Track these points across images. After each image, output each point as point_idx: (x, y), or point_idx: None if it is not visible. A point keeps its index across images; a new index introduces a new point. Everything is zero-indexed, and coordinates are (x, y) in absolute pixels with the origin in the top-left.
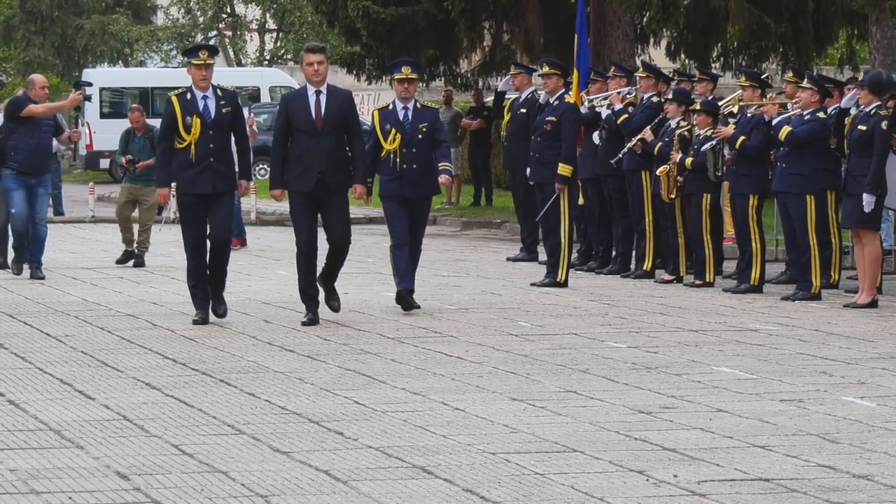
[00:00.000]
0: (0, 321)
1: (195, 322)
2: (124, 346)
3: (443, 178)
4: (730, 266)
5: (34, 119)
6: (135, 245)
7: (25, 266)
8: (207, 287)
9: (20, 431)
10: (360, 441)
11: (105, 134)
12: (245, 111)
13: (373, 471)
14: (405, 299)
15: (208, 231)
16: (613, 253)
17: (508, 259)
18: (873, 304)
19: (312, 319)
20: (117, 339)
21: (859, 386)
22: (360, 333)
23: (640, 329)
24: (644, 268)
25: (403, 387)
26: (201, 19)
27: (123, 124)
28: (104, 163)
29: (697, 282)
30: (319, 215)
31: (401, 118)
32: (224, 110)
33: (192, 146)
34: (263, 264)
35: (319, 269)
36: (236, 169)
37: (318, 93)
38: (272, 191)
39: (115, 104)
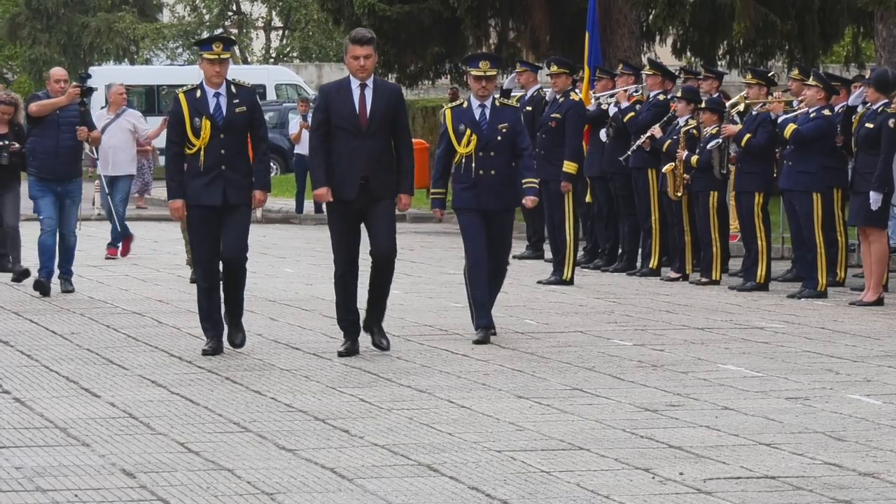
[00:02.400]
0: (6, 319)
1: (205, 353)
2: (130, 344)
3: (528, 201)
4: (735, 264)
5: (49, 119)
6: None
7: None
8: (220, 315)
9: (26, 429)
10: (366, 439)
11: None
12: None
13: (378, 468)
14: (485, 337)
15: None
16: (619, 251)
17: (514, 257)
18: (879, 302)
19: (350, 349)
20: (123, 336)
21: (865, 384)
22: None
23: (645, 327)
24: (650, 265)
25: (409, 384)
26: (207, 17)
27: None
28: None
29: (703, 279)
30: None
31: (477, 117)
32: (237, 110)
33: (202, 152)
34: (269, 262)
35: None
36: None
37: (363, 86)
38: (317, 190)
39: None
